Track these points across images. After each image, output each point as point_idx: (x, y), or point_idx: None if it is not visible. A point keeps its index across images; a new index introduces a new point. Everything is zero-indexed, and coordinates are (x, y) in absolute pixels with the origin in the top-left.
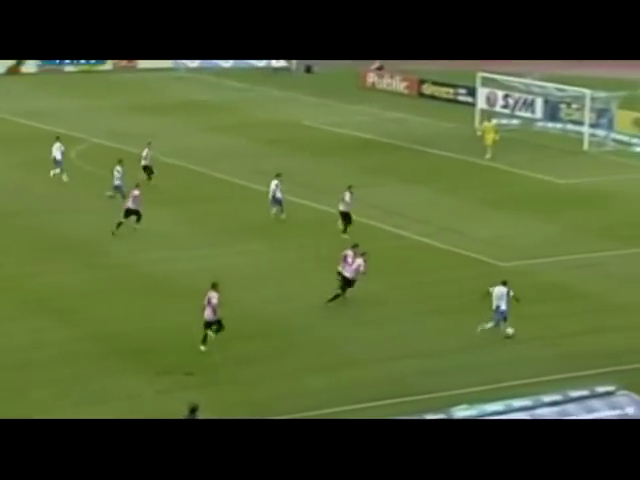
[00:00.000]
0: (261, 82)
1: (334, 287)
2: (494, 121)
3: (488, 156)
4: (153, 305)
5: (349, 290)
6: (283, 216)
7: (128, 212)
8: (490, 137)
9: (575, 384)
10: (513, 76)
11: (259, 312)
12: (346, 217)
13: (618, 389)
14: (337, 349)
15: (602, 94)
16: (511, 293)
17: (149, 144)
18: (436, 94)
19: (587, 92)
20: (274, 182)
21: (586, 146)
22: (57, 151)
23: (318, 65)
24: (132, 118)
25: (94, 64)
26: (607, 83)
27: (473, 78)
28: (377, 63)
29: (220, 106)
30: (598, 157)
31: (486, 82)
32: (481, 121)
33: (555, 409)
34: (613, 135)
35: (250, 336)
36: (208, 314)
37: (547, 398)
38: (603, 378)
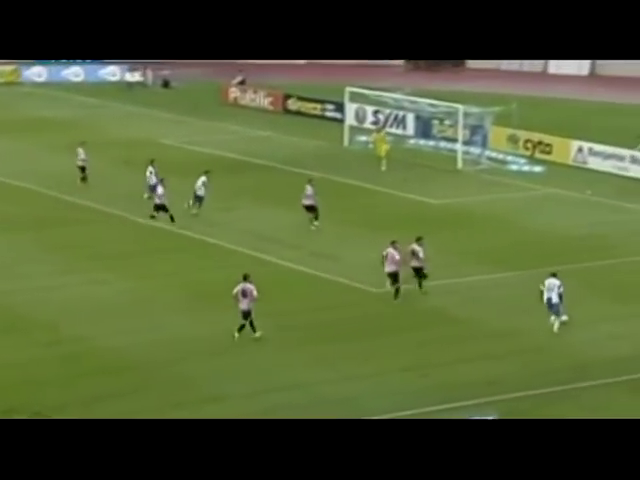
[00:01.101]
0: (114, 97)
1: (194, 318)
2: (382, 132)
3: (384, 168)
4: None
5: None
6: (194, 211)
7: (158, 207)
8: (383, 148)
9: (451, 415)
10: (383, 91)
11: (113, 346)
12: (311, 209)
13: (495, 419)
14: (200, 384)
15: (475, 110)
16: (561, 289)
17: (82, 144)
18: (302, 110)
19: (460, 108)
20: (201, 179)
21: (460, 164)
22: None
23: (176, 79)
24: None
25: None
26: (481, 98)
27: (341, 93)
28: (239, 77)
29: (71, 123)
30: (472, 176)
31: (355, 97)
32: (350, 138)
33: None
34: (487, 153)
35: (103, 372)
36: (245, 305)
37: None
38: (480, 408)
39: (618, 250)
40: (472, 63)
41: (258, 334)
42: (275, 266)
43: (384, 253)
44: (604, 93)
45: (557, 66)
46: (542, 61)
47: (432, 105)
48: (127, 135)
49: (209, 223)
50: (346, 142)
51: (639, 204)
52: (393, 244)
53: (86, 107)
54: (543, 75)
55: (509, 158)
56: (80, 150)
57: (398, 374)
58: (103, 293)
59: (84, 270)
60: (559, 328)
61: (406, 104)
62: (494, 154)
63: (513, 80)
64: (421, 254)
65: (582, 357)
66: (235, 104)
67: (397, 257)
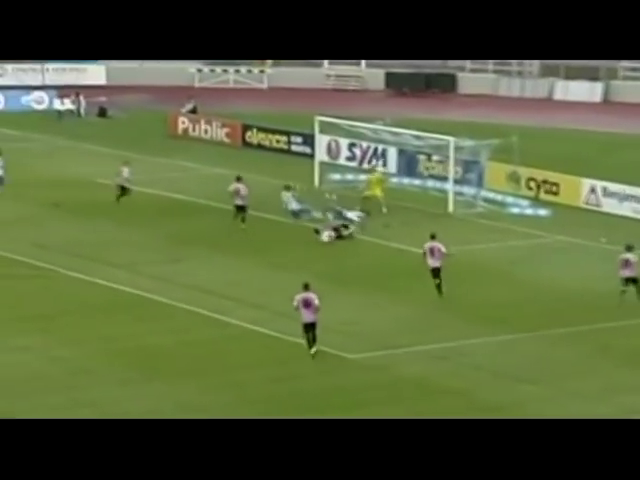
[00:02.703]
0: (42, 129)
1: (135, 392)
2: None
3: (385, 210)
4: None
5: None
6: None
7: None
8: (379, 189)
9: None
10: (360, 120)
11: None
12: (242, 209)
13: None
14: None
15: (469, 143)
16: None
17: (126, 163)
18: (265, 143)
19: (451, 140)
20: (286, 194)
21: (451, 207)
22: None
23: (115, 107)
24: None
25: None
26: (475, 129)
27: (310, 123)
28: (189, 104)
29: None
30: (465, 220)
31: (326, 128)
32: (321, 176)
33: None
34: (484, 193)
35: None
36: (309, 316)
37: None
38: None
39: (638, 309)
40: (464, 88)
41: (314, 350)
42: (232, 328)
43: (426, 247)
44: (620, 122)
45: (564, 91)
46: (546, 85)
47: (418, 137)
48: (58, 173)
49: (154, 277)
50: (317, 181)
51: None
52: (433, 238)
53: (7, 140)
54: (548, 101)
55: (509, 200)
56: (124, 169)
57: None
58: (26, 362)
59: (2, 335)
60: None
61: (387, 136)
62: (491, 195)
63: (513, 107)
64: (443, 249)
65: None
66: (185, 136)
67: (444, 249)
